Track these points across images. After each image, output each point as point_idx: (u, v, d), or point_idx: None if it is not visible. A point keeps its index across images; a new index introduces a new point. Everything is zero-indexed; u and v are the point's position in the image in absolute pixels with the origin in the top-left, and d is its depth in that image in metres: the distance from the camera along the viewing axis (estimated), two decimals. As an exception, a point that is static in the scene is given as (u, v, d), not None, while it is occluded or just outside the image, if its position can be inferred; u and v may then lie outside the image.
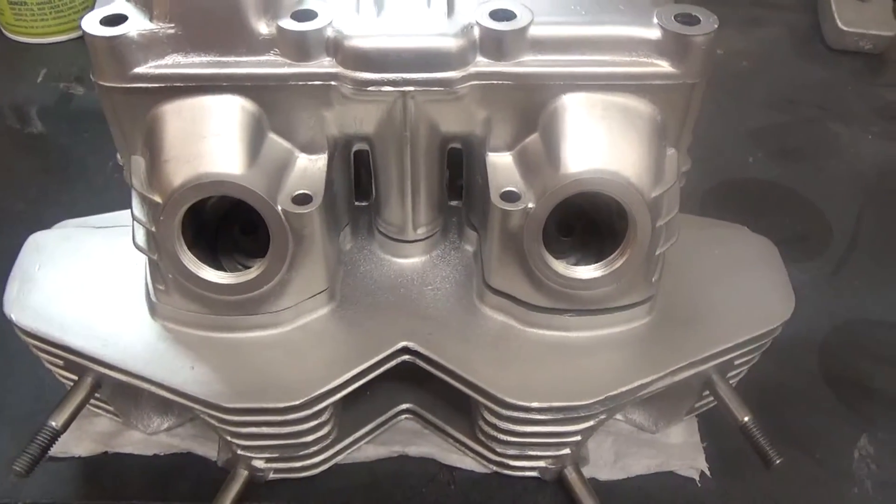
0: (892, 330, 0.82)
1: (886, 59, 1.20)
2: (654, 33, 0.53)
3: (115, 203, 0.69)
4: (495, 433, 0.63)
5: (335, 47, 0.53)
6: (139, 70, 0.52)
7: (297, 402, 0.57)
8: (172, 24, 0.51)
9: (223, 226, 0.65)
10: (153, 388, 0.59)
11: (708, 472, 0.68)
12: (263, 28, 0.52)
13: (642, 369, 0.60)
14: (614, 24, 0.53)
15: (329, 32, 0.52)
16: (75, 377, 0.61)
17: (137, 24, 0.51)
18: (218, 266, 0.61)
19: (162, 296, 0.60)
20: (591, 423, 0.61)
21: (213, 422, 0.59)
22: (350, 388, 0.60)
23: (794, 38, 1.25)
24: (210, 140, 0.53)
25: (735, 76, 1.16)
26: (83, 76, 1.10)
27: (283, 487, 0.66)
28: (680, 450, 0.70)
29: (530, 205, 0.55)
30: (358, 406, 0.66)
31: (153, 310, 0.62)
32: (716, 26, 0.52)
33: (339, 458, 0.67)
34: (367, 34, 0.52)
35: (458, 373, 0.59)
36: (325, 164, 0.57)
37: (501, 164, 0.57)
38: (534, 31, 0.53)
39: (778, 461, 0.59)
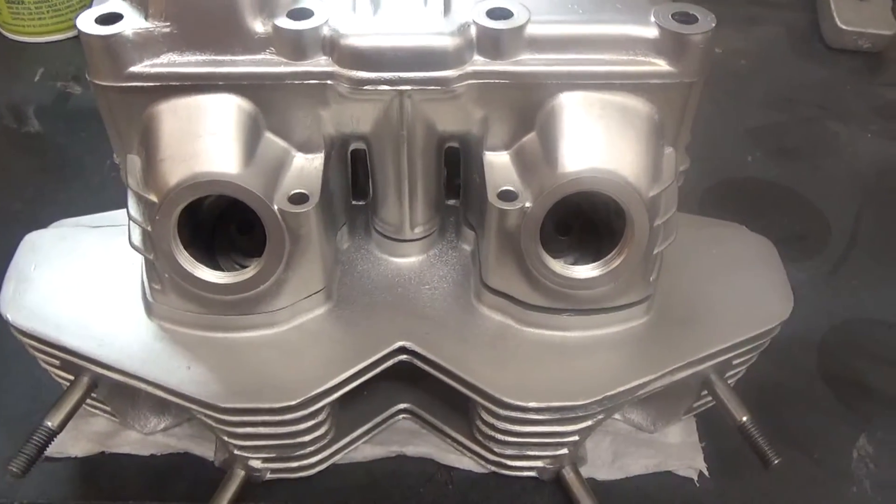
0: (891, 329, 0.82)
1: (885, 57, 1.20)
2: (652, 32, 0.53)
3: (112, 202, 0.68)
4: (493, 433, 0.62)
5: (331, 46, 0.52)
6: (135, 69, 0.52)
7: (294, 403, 0.57)
8: (168, 23, 0.51)
9: (220, 225, 0.65)
10: (149, 389, 0.58)
11: (706, 472, 0.68)
12: (259, 27, 0.52)
13: (640, 369, 0.59)
14: (612, 22, 0.53)
15: (325, 31, 0.52)
16: (71, 377, 0.61)
17: (133, 23, 0.51)
18: (215, 265, 0.60)
19: (158, 295, 0.60)
20: (589, 422, 0.61)
21: (209, 422, 0.59)
22: (347, 388, 0.59)
23: (792, 36, 1.25)
24: (206, 139, 0.53)
25: (733, 75, 1.16)
26: (80, 75, 1.10)
27: (281, 487, 0.66)
28: (678, 450, 0.69)
29: (527, 204, 0.55)
30: (355, 406, 0.66)
31: (149, 309, 0.61)
32: (713, 25, 0.52)
33: (336, 458, 0.67)
34: (363, 33, 0.52)
35: (456, 372, 0.59)
36: (321, 164, 0.57)
37: (498, 163, 0.57)
38: (531, 30, 0.52)
39: (776, 461, 0.59)
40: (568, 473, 0.65)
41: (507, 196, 0.55)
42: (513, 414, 0.59)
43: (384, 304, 0.63)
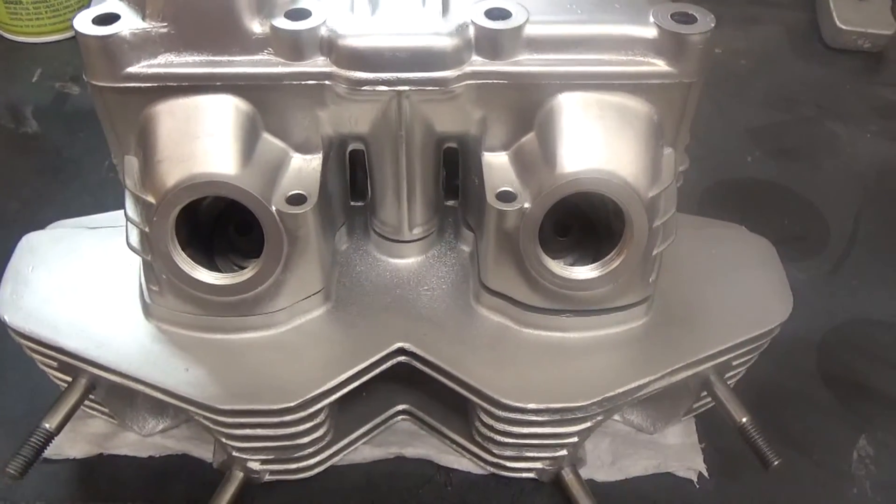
0: (891, 329, 0.81)
1: (885, 57, 1.20)
2: (651, 32, 0.52)
3: (111, 203, 0.68)
4: (492, 434, 0.62)
5: (329, 46, 0.52)
6: (132, 69, 0.52)
7: (293, 404, 0.57)
8: (165, 23, 0.51)
9: (218, 226, 0.64)
10: (147, 390, 0.58)
11: (706, 473, 0.68)
12: (257, 27, 0.52)
13: (640, 370, 0.59)
14: (610, 22, 0.53)
15: (323, 31, 0.52)
16: (69, 379, 0.61)
17: (130, 24, 0.51)
18: (213, 266, 0.60)
19: (156, 297, 0.60)
20: (589, 424, 0.61)
21: (207, 424, 0.59)
22: (346, 390, 0.59)
23: (792, 36, 1.25)
24: (203, 140, 0.53)
25: (733, 75, 1.16)
26: (78, 76, 1.10)
27: (279, 489, 0.66)
28: (678, 451, 0.69)
29: (526, 205, 0.54)
30: (354, 407, 0.66)
31: (147, 311, 0.61)
32: (713, 25, 0.52)
33: (335, 460, 0.66)
34: (361, 33, 0.52)
35: (455, 374, 0.59)
36: (319, 164, 0.56)
37: (497, 163, 0.57)
38: (529, 30, 0.52)
39: (776, 462, 0.59)
40: (567, 475, 0.65)
41: (505, 197, 0.55)
42: (512, 415, 0.59)
43: (383, 305, 0.63)
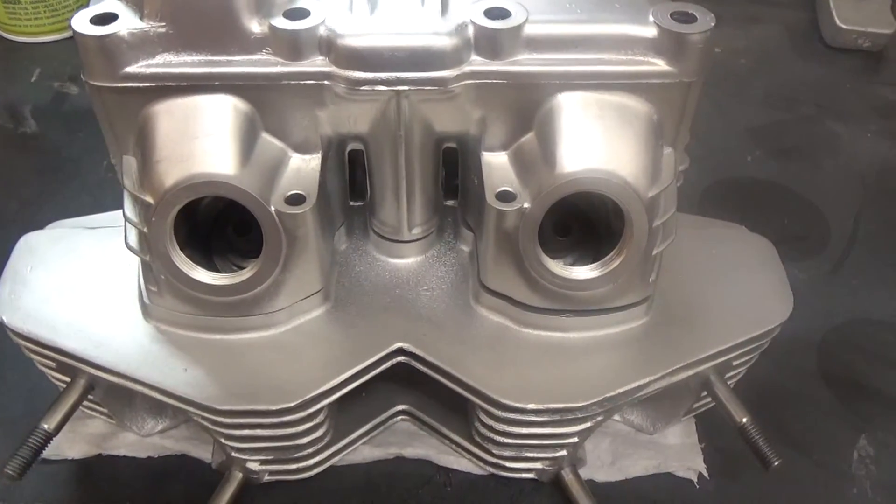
0: (892, 329, 0.81)
1: (885, 57, 1.20)
2: (651, 31, 0.52)
3: (110, 203, 0.68)
4: (491, 435, 0.62)
5: (328, 46, 0.52)
6: (130, 69, 0.52)
7: (292, 405, 0.57)
8: (163, 23, 0.51)
9: (217, 226, 0.64)
10: (146, 391, 0.58)
11: (706, 474, 0.68)
12: (255, 27, 0.52)
13: (640, 370, 0.59)
14: (610, 22, 0.53)
15: (322, 31, 0.52)
16: (68, 379, 0.61)
17: (128, 23, 0.51)
18: (212, 267, 0.60)
19: (155, 297, 0.60)
20: (588, 424, 0.61)
21: (206, 424, 0.59)
22: (345, 390, 0.59)
23: (792, 35, 1.25)
24: (202, 140, 0.53)
25: (733, 74, 1.16)
26: (77, 75, 1.10)
27: (279, 490, 0.66)
28: (678, 451, 0.69)
29: (526, 205, 0.54)
30: (353, 407, 0.66)
31: (146, 311, 0.61)
32: (712, 24, 0.52)
33: (334, 460, 0.66)
34: (360, 33, 0.52)
35: (454, 374, 0.59)
36: (318, 164, 0.56)
37: (497, 163, 0.57)
38: (529, 30, 0.52)
39: (776, 462, 0.59)
40: (567, 475, 0.65)
41: (505, 197, 0.55)
42: (511, 415, 0.59)
43: (382, 305, 0.62)
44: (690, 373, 0.60)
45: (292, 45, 0.52)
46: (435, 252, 0.65)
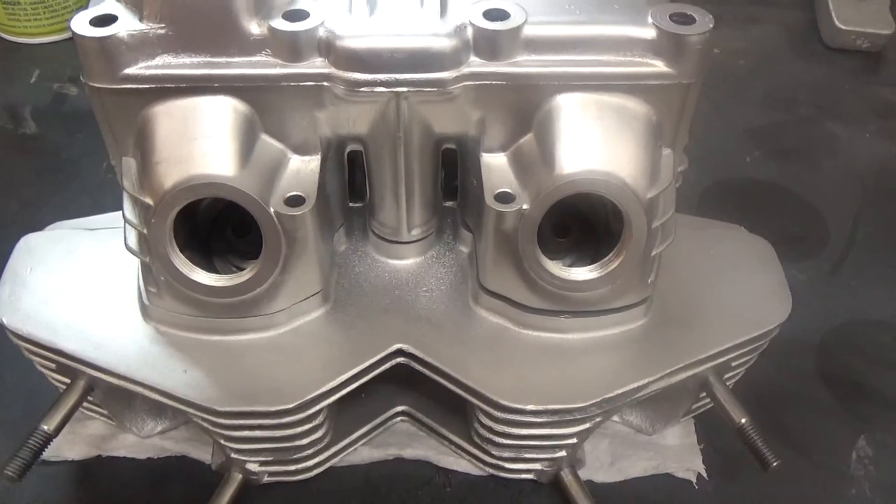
0: (890, 330, 0.81)
1: (884, 57, 1.20)
2: (649, 33, 0.52)
3: (109, 204, 0.68)
4: (491, 436, 0.62)
5: (327, 48, 0.52)
6: (129, 71, 0.52)
7: (291, 406, 0.57)
8: (163, 25, 0.51)
9: (216, 227, 0.64)
10: (146, 392, 0.58)
11: (705, 474, 0.68)
12: (255, 28, 0.52)
13: (638, 371, 0.59)
14: (609, 23, 0.53)
15: (321, 32, 0.52)
16: (68, 380, 0.61)
17: (127, 25, 0.51)
18: (211, 268, 0.60)
19: (154, 298, 0.60)
20: (587, 425, 0.61)
21: (206, 425, 0.59)
22: (344, 391, 0.59)
23: (791, 36, 1.25)
24: (201, 141, 0.53)
25: (732, 75, 1.16)
26: (77, 76, 1.10)
27: (278, 491, 0.66)
28: (677, 452, 0.69)
29: (525, 206, 0.54)
30: (353, 408, 0.66)
31: (146, 312, 0.61)
32: (711, 26, 0.52)
33: (334, 461, 0.66)
34: (359, 34, 0.52)
35: (453, 375, 0.59)
36: (317, 166, 0.56)
37: (496, 164, 0.57)
38: (528, 31, 0.52)
39: (775, 463, 0.59)
40: (566, 476, 0.65)
41: (504, 198, 0.55)
42: (510, 416, 0.59)
43: (381, 306, 0.63)
44: (689, 374, 0.61)
45: (291, 47, 0.52)
46: (434, 253, 0.65)
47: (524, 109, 0.55)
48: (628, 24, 0.53)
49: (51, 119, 1.05)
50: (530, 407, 0.58)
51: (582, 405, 0.58)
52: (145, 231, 0.55)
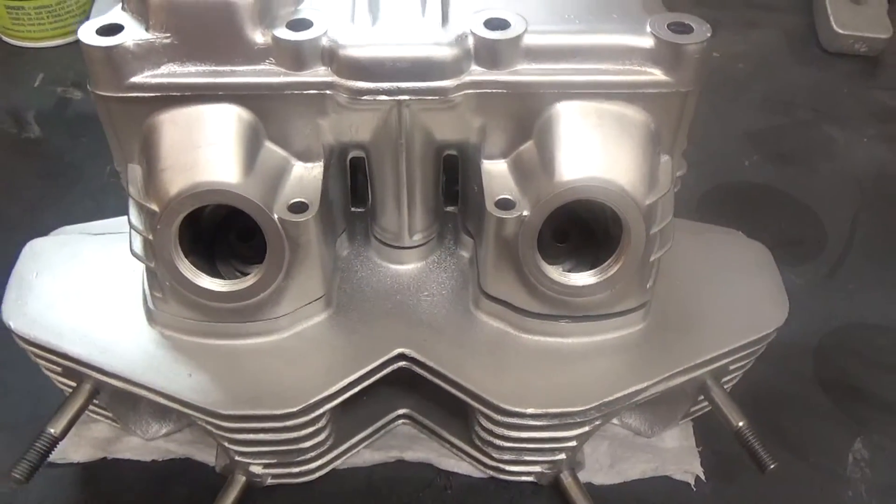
0: (888, 333, 0.82)
1: (881, 61, 1.21)
2: (648, 42, 0.53)
3: (113, 208, 0.69)
4: (491, 439, 0.63)
5: (330, 56, 0.53)
6: (135, 79, 0.52)
7: (294, 409, 0.58)
8: (168, 34, 0.52)
9: (220, 232, 0.65)
10: (151, 396, 0.59)
11: (703, 477, 0.69)
12: (259, 37, 0.52)
13: (637, 375, 0.60)
14: (608, 32, 0.54)
15: (324, 42, 0.53)
16: (73, 384, 0.62)
17: (133, 34, 0.52)
18: (215, 272, 0.61)
19: (159, 303, 0.60)
20: (587, 428, 0.61)
21: (210, 428, 0.59)
22: (347, 395, 0.60)
23: (789, 40, 1.25)
24: (206, 149, 0.54)
25: (731, 79, 1.16)
26: (80, 81, 1.10)
27: (281, 493, 0.67)
28: (675, 454, 0.70)
29: (525, 212, 0.55)
30: (355, 411, 0.66)
31: (151, 317, 0.62)
32: (709, 35, 0.53)
33: (336, 464, 0.67)
34: (362, 43, 0.53)
35: (454, 379, 0.60)
36: (320, 173, 0.57)
37: (496, 171, 0.57)
38: (528, 40, 0.53)
39: (772, 466, 0.60)
40: (566, 478, 0.65)
41: (504, 204, 0.56)
42: (511, 420, 0.60)
43: (383, 310, 0.63)
44: (687, 377, 0.61)
45: (295, 56, 0.53)
46: (435, 258, 0.66)
47: (524, 117, 0.55)
48: (627, 33, 0.53)
49: (54, 123, 1.06)
50: (530, 410, 0.59)
51: (581, 409, 0.59)
52: (151, 237, 0.55)
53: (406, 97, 0.54)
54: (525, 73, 0.54)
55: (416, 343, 0.61)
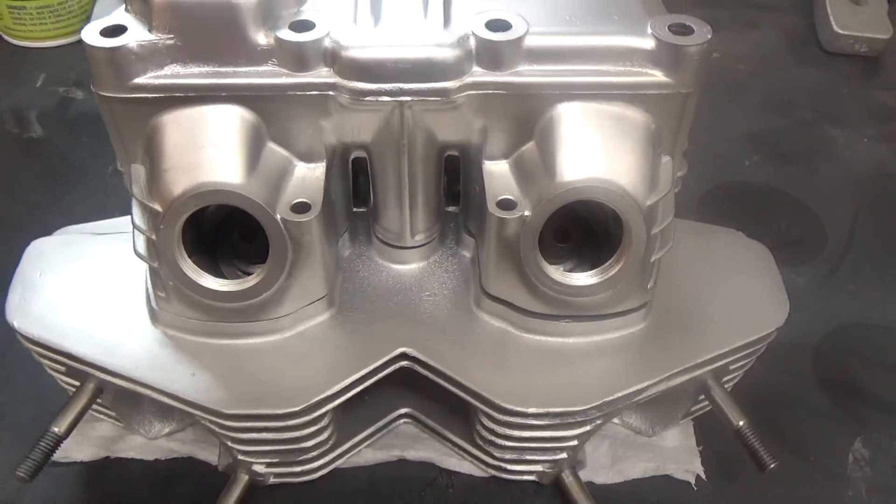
0: (888, 333, 0.82)
1: (881, 62, 1.21)
2: (648, 43, 0.53)
3: (116, 208, 0.69)
4: (493, 438, 0.63)
5: (333, 58, 0.53)
6: (139, 80, 0.53)
7: (297, 409, 0.58)
8: (172, 35, 0.52)
9: (223, 232, 0.65)
10: (154, 395, 0.59)
11: (703, 476, 0.69)
12: (262, 39, 0.53)
13: (638, 375, 0.60)
14: (609, 34, 0.54)
15: (327, 43, 0.53)
16: (77, 383, 0.62)
17: (137, 35, 0.52)
18: (218, 272, 0.61)
19: (162, 303, 0.61)
20: (588, 427, 0.61)
21: (213, 428, 0.60)
22: (349, 394, 0.60)
23: (789, 41, 1.26)
24: (209, 149, 0.54)
25: (731, 79, 1.17)
26: (82, 81, 1.11)
27: (284, 492, 0.67)
28: (676, 453, 0.70)
29: (526, 213, 0.55)
30: (357, 411, 0.67)
31: (154, 316, 0.62)
32: (709, 36, 0.53)
33: (338, 463, 0.67)
34: (364, 45, 0.53)
35: (456, 378, 0.60)
36: (323, 173, 0.57)
37: (498, 172, 0.58)
38: (529, 42, 0.53)
39: (773, 465, 0.60)
40: (567, 477, 0.66)
41: (506, 205, 0.56)
42: (512, 419, 0.60)
43: (385, 310, 0.63)
44: (688, 377, 0.61)
45: (297, 57, 0.53)
46: (437, 258, 0.66)
47: (526, 118, 0.55)
48: (628, 34, 0.54)
49: (56, 123, 1.06)
50: (532, 410, 0.59)
51: (582, 408, 0.59)
52: (154, 237, 0.55)
53: (408, 98, 0.54)
54: (526, 74, 0.54)
55: (418, 343, 0.61)
